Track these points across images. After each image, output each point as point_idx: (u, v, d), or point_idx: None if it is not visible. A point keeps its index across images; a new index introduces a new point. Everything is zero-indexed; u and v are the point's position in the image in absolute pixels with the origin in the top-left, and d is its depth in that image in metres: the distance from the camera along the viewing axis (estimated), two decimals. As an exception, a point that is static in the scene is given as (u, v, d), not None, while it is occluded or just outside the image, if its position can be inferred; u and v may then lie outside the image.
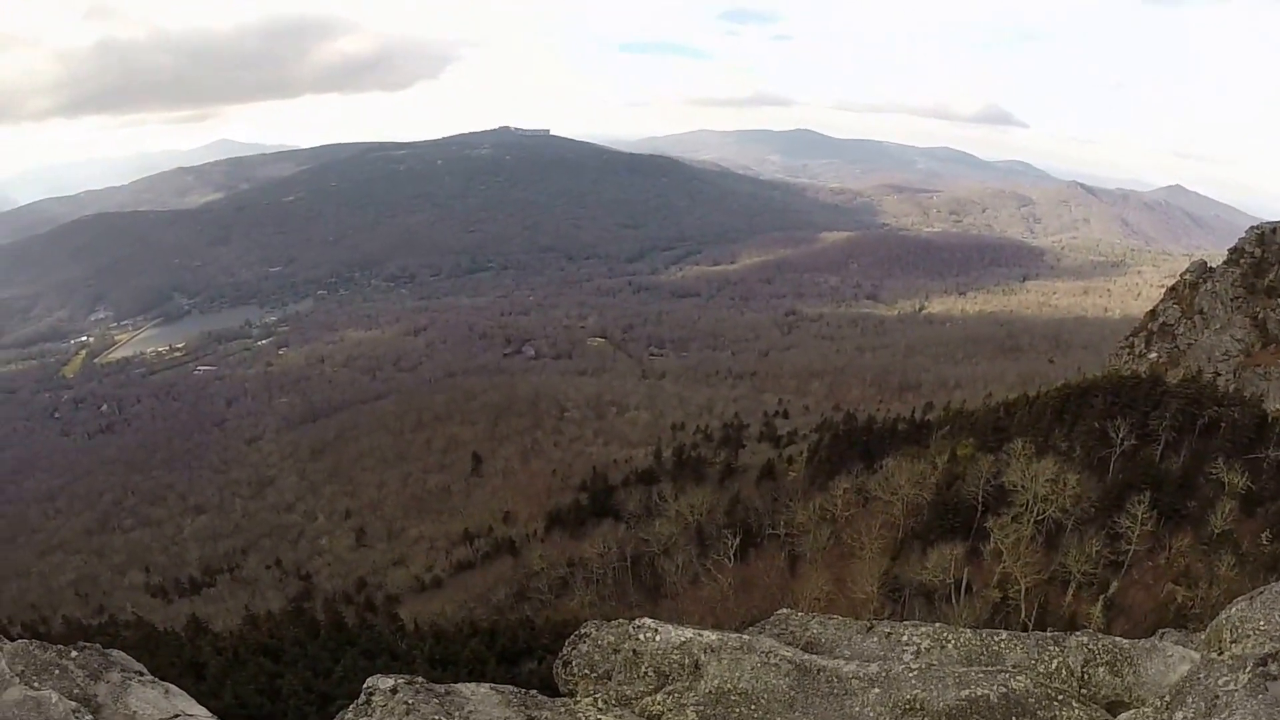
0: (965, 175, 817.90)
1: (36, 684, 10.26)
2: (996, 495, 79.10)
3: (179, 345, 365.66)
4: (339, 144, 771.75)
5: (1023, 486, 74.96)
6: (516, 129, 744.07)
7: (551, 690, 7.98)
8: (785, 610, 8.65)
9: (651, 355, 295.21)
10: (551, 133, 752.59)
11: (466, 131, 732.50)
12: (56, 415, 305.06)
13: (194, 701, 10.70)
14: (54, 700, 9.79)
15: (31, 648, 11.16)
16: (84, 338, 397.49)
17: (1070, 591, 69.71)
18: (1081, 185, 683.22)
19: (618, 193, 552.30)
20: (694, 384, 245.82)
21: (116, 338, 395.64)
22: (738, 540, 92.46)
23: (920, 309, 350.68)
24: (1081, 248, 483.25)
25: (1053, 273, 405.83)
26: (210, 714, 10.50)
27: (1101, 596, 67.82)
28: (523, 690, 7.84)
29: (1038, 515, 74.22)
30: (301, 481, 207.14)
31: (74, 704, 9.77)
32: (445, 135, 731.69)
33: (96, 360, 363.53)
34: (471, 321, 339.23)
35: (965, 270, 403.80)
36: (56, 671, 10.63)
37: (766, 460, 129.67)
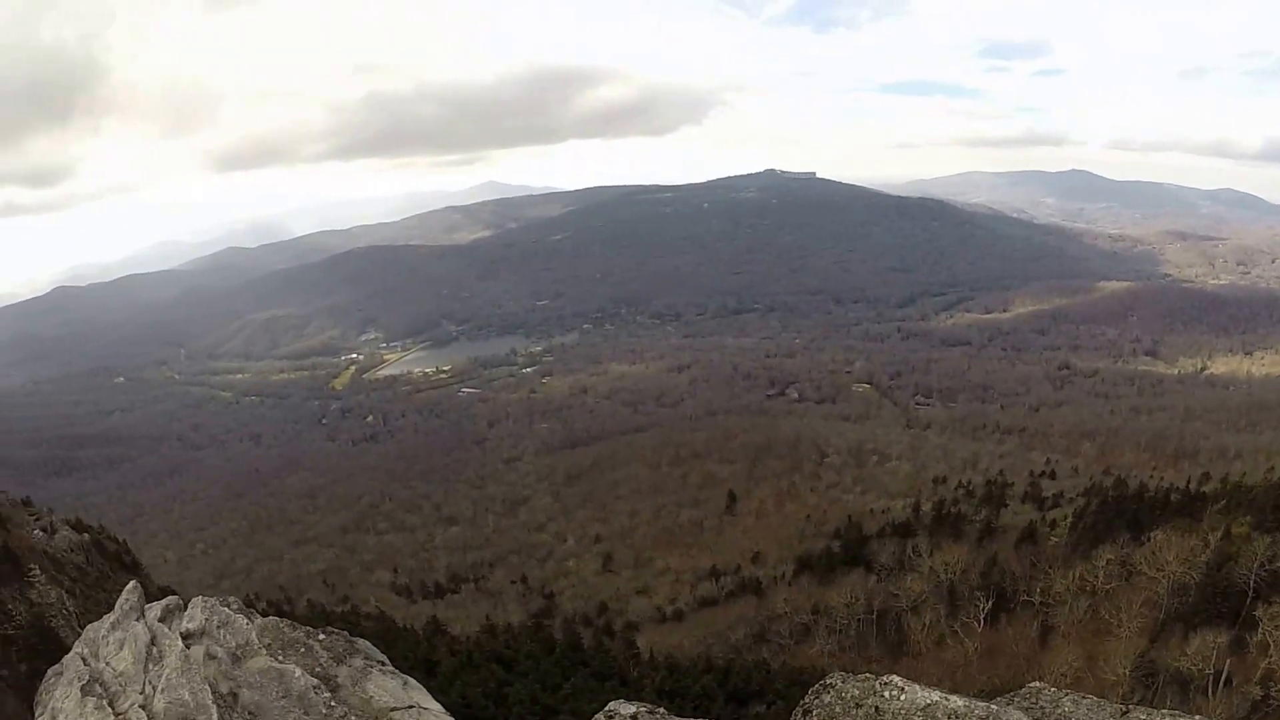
0: (1252, 220, 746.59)
1: (281, 657, 12.44)
2: (1270, 581, 72.58)
3: (445, 367, 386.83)
4: (604, 186, 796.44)
5: (1300, 573, 69.80)
6: (782, 172, 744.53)
7: (784, 737, 8.69)
8: (1038, 684, 8.73)
9: (917, 404, 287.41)
10: (817, 175, 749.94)
11: (732, 175, 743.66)
12: (324, 421, 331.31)
13: (429, 696, 12.56)
14: (296, 674, 11.89)
15: (281, 625, 13.36)
16: (354, 355, 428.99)
17: (1340, 695, 63.81)
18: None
19: (886, 236, 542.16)
20: (959, 437, 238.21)
21: (385, 357, 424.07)
22: (990, 604, 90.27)
23: (1202, 369, 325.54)
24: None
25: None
26: (444, 710, 12.37)
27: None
28: (761, 734, 8.86)
29: (1314, 607, 68.55)
30: (555, 504, 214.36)
31: (315, 680, 11.83)
32: (710, 178, 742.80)
33: (365, 375, 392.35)
34: (736, 361, 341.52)
35: (1252, 327, 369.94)
36: (302, 649, 12.74)
37: (1029, 522, 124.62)
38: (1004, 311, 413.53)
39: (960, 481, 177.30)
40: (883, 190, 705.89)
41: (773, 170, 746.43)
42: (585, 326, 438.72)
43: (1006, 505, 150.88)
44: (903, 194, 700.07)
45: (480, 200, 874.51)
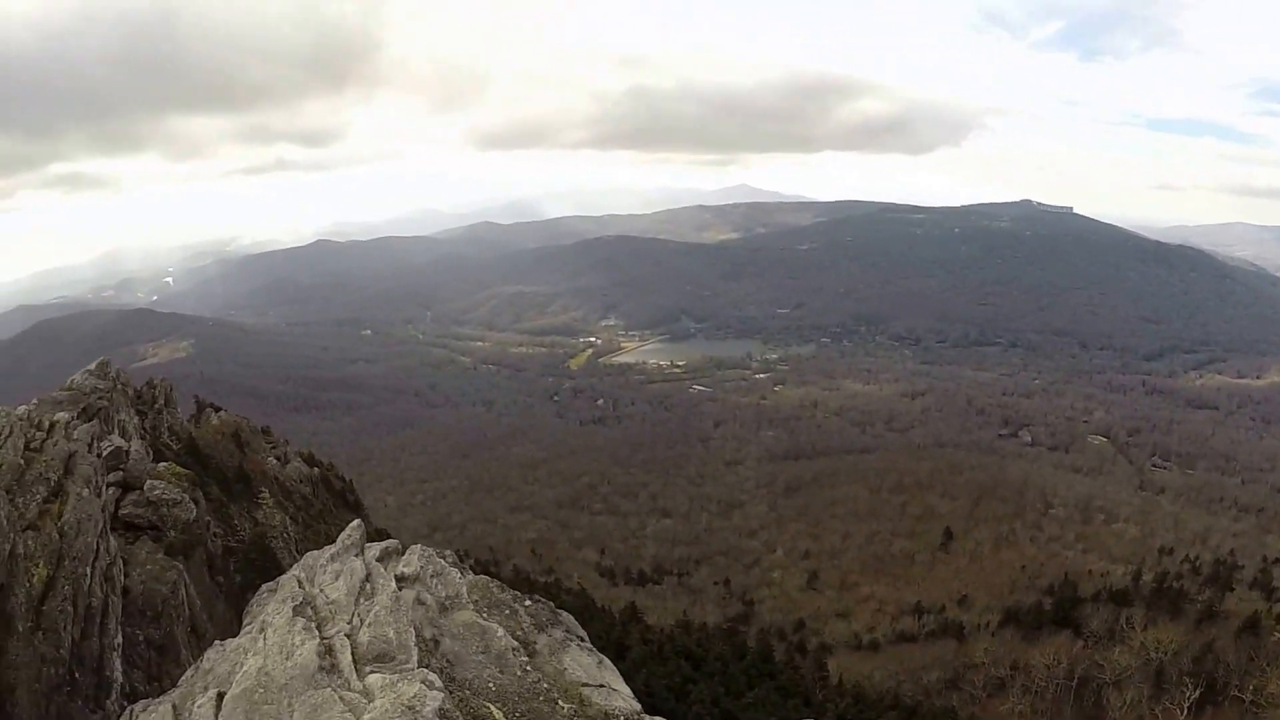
0: None
1: (486, 615, 13.19)
2: None
3: (680, 362, 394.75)
4: (856, 200, 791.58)
5: None
6: (1039, 204, 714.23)
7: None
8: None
9: (1154, 466, 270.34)
10: (1075, 210, 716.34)
11: (986, 202, 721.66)
12: (555, 398, 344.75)
13: (620, 679, 13.10)
14: (498, 634, 12.71)
15: (490, 584, 14.27)
16: (593, 338, 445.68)
17: None
18: None
19: (1141, 282, 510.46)
20: (1193, 507, 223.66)
21: (622, 344, 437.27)
22: (1197, 693, 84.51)
23: None
24: None
25: None
26: (632, 694, 12.81)
27: None
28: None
29: None
30: (769, 513, 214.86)
31: (515, 643, 12.54)
32: (965, 203, 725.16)
33: (600, 360, 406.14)
34: (971, 395, 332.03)
35: None
36: (507, 611, 13.59)
37: (1254, 611, 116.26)
38: (1257, 378, 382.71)
39: (1187, 555, 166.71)
40: (1141, 233, 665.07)
41: (1029, 201, 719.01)
42: (823, 339, 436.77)
43: (1233, 589, 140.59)
44: (1162, 239, 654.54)
45: (731, 202, 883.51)
